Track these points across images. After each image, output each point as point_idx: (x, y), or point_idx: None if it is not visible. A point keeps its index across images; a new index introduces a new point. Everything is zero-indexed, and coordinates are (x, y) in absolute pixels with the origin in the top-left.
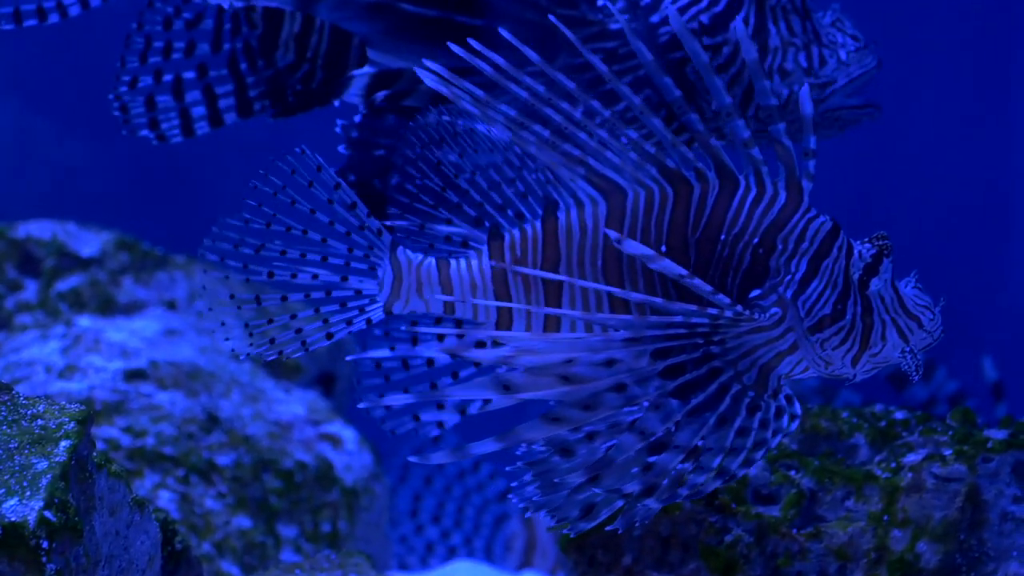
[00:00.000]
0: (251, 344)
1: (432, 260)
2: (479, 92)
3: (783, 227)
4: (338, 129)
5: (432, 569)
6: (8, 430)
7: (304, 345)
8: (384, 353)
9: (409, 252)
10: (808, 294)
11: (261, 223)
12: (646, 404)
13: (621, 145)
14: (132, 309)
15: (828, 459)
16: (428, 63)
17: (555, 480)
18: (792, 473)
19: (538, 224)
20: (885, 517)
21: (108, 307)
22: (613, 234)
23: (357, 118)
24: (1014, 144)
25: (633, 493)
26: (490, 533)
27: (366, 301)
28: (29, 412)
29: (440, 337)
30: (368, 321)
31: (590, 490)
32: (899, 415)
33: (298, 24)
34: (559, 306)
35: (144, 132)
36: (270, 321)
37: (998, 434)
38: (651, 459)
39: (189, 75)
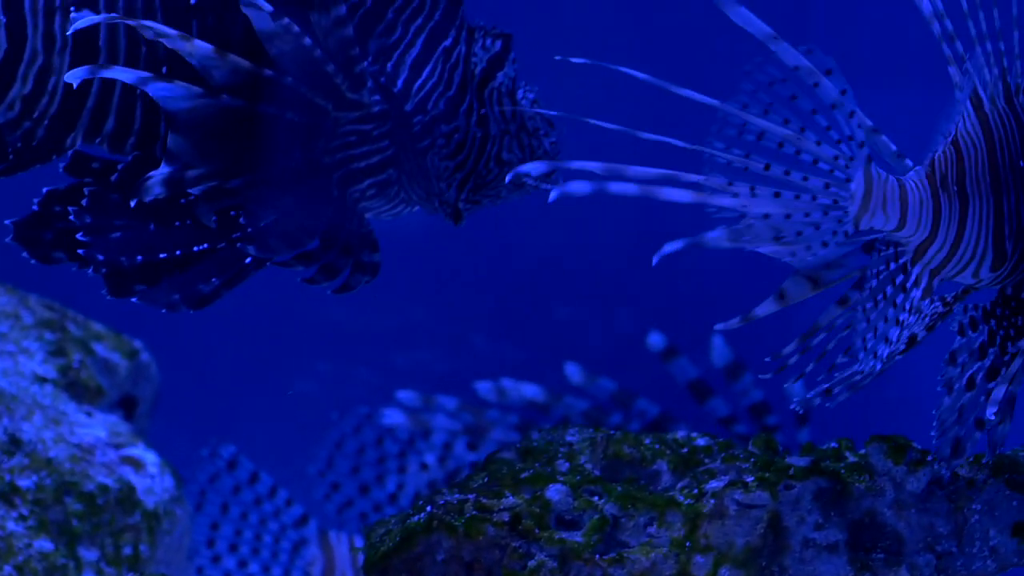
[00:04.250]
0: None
1: (892, 177)
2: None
3: None
4: None
5: None
6: None
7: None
8: None
9: (878, 166)
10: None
11: (759, 109)
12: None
13: None
14: None
15: (631, 485)
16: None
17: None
18: (595, 499)
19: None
20: (688, 543)
21: None
22: None
23: None
24: None
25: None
26: (288, 559)
27: (840, 213)
28: None
29: None
30: (845, 234)
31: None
32: (701, 442)
33: (30, 86)
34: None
35: None
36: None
37: (800, 461)
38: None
39: None
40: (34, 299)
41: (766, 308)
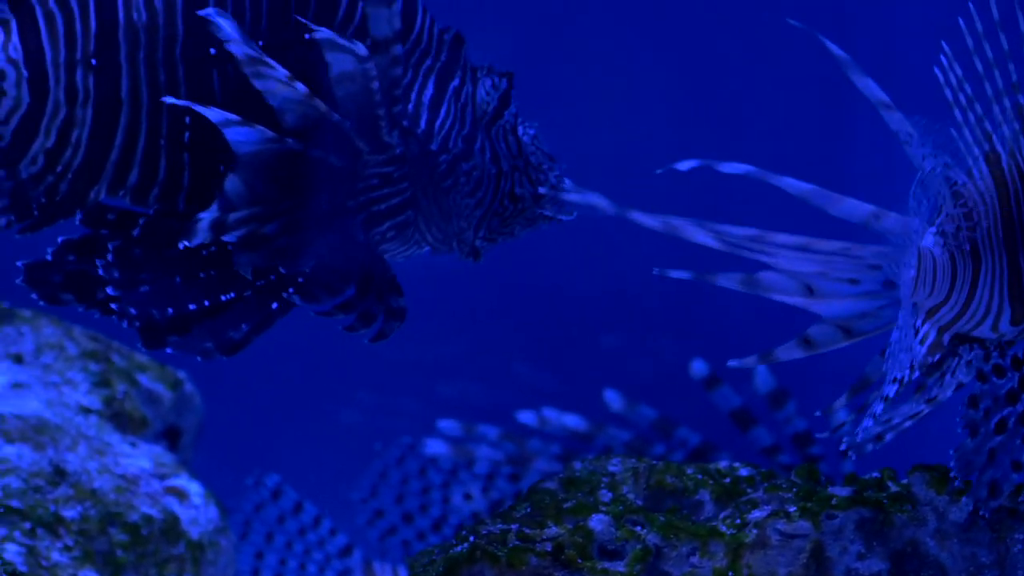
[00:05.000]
0: None
1: (924, 247)
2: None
3: None
4: None
5: None
6: None
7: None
8: None
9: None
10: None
11: None
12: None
13: None
14: None
15: (674, 515)
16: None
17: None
18: (638, 529)
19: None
20: (730, 573)
21: None
22: None
23: None
24: None
25: None
26: None
27: (882, 275)
28: None
29: None
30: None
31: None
32: (744, 471)
33: (53, 139)
34: None
35: None
36: None
37: (843, 491)
38: None
39: None
40: (78, 330)
41: (789, 353)
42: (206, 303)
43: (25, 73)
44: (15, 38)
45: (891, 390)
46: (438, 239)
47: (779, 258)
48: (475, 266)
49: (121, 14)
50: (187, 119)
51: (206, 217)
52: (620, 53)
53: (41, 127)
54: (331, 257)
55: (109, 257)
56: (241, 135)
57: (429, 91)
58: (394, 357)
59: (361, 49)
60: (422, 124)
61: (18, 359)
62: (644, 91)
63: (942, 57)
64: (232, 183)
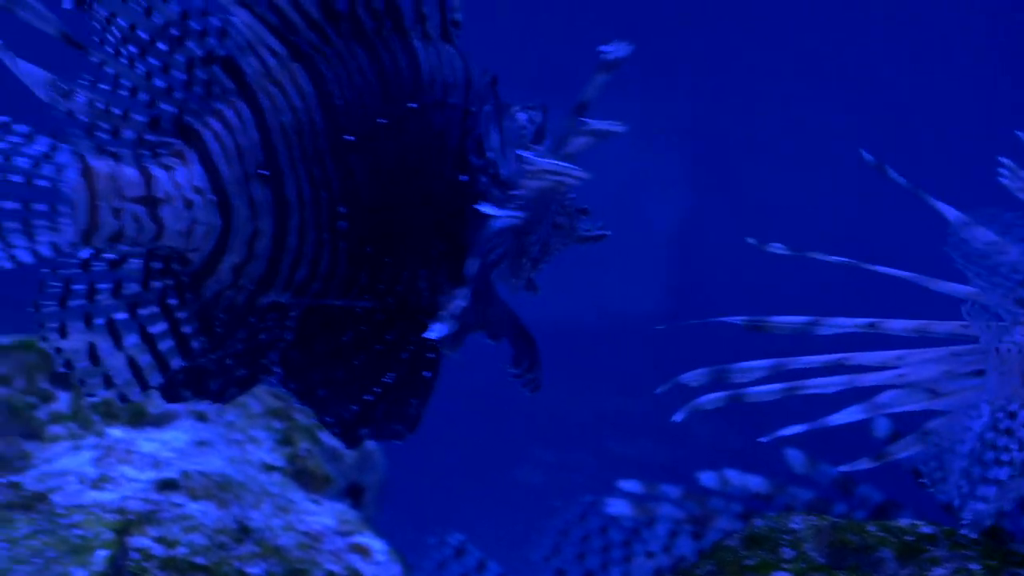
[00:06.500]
0: None
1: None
2: None
3: None
4: None
5: None
6: (46, 539)
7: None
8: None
9: None
10: None
11: None
12: None
13: None
14: (163, 420)
15: (855, 572)
16: None
17: None
18: None
19: None
20: None
21: (139, 418)
22: None
23: None
24: None
25: None
26: None
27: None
28: (66, 522)
29: None
30: None
31: None
32: (926, 529)
33: (241, 254)
34: None
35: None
36: None
37: None
38: None
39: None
40: (262, 388)
41: (907, 449)
42: (376, 389)
43: (212, 198)
44: (195, 166)
45: (1002, 473)
46: (503, 276)
47: (902, 368)
48: (653, 321)
49: (272, 119)
50: (341, 208)
51: (459, 303)
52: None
53: (229, 244)
54: (505, 318)
55: (276, 369)
56: (506, 220)
57: (495, 137)
58: (571, 414)
59: (619, 127)
60: (502, 172)
61: (202, 417)
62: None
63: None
64: (472, 265)
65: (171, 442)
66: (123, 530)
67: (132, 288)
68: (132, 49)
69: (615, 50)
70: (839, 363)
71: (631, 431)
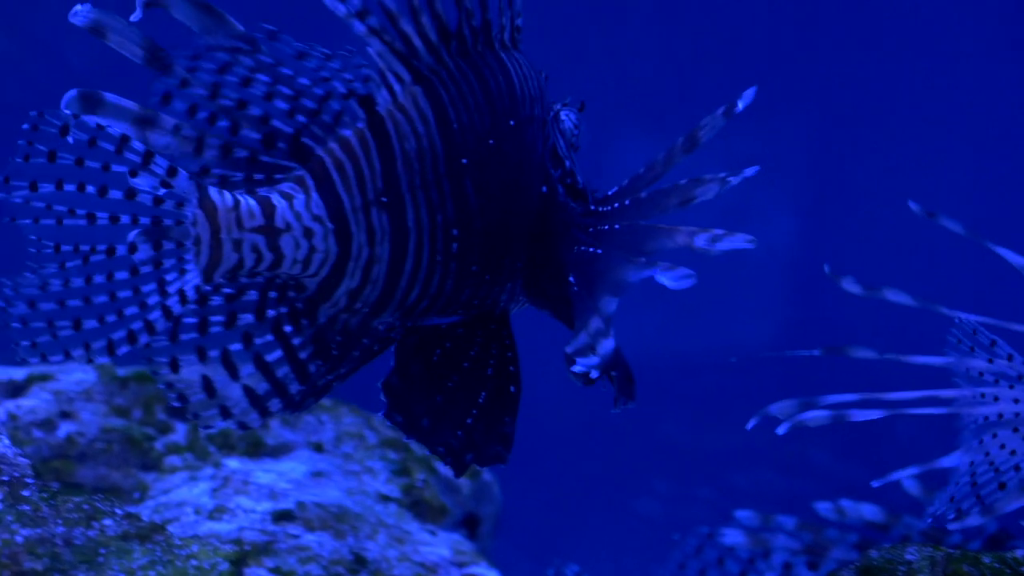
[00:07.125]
0: None
1: None
2: None
3: None
4: None
5: None
6: (163, 570)
7: None
8: None
9: None
10: None
11: None
12: None
13: None
14: (280, 451)
15: None
16: None
17: None
18: None
19: None
20: None
21: (256, 449)
22: None
23: None
24: None
25: None
26: None
27: None
28: (183, 552)
29: None
30: None
31: None
32: None
33: (357, 280)
34: None
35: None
36: None
37: None
38: None
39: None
40: (378, 419)
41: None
42: (474, 411)
43: (331, 226)
44: (314, 194)
45: None
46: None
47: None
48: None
49: (396, 146)
50: (455, 231)
51: (606, 346)
52: None
53: (347, 271)
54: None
55: (381, 399)
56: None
57: (562, 144)
58: (689, 445)
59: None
60: (579, 181)
61: (318, 448)
62: None
63: None
64: (611, 307)
65: (288, 473)
66: (239, 561)
67: (247, 319)
68: (285, 90)
69: (746, 98)
70: (932, 399)
71: (753, 463)
